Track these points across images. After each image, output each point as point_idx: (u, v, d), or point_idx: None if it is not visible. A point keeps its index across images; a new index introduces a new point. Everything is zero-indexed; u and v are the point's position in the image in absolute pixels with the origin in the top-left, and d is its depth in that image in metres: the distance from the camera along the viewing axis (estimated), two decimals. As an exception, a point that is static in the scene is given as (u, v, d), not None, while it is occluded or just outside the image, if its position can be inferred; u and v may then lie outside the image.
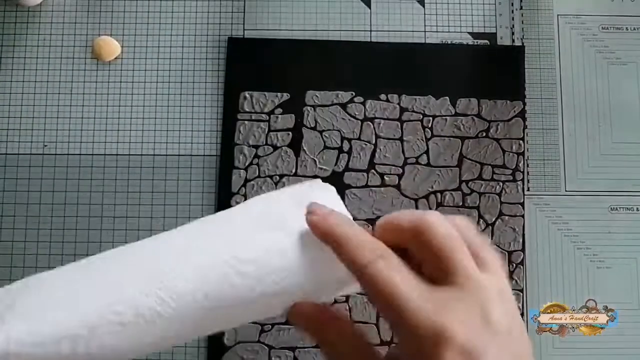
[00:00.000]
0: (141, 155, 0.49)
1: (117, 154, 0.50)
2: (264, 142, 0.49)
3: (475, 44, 0.51)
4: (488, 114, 0.50)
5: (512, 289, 0.47)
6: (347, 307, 0.48)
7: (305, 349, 0.47)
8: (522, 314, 0.48)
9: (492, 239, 0.48)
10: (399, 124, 0.50)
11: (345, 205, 0.31)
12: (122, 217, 0.48)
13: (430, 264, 0.26)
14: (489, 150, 0.50)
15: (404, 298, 0.24)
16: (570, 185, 0.50)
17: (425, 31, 0.52)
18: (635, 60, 0.52)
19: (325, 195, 0.30)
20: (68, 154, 0.50)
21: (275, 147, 0.49)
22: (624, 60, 0.52)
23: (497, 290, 0.25)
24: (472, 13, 0.52)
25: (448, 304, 0.24)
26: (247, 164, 0.49)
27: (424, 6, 0.52)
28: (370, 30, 0.52)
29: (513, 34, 0.52)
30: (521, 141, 0.50)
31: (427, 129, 0.50)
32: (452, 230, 0.26)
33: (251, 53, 0.51)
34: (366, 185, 0.49)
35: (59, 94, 0.50)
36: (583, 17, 0.52)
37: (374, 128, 0.50)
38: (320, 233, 0.27)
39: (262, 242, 0.28)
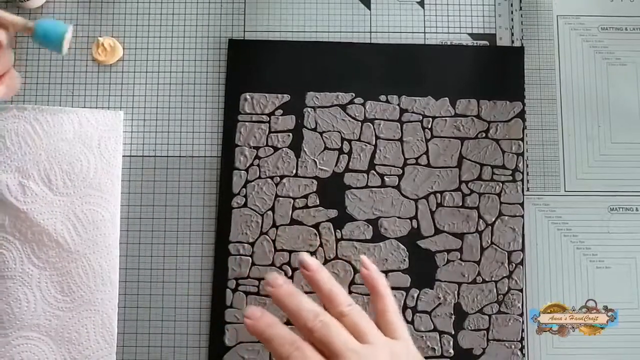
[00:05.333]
0: (142, 156, 0.50)
1: (118, 156, 0.50)
2: (265, 143, 0.50)
3: (475, 44, 0.52)
4: (487, 114, 0.50)
5: (513, 289, 0.48)
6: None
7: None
8: (522, 314, 0.48)
9: (491, 239, 0.49)
10: (398, 125, 0.50)
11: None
12: (124, 219, 0.49)
13: None
14: (488, 150, 0.50)
15: None
16: (570, 186, 0.50)
17: (424, 32, 0.52)
18: (634, 60, 0.52)
19: None
20: (70, 156, 0.50)
21: (275, 148, 0.50)
22: (623, 61, 0.52)
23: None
24: (472, 14, 0.52)
25: None
26: (247, 165, 0.49)
27: (423, 7, 0.52)
28: (370, 32, 0.52)
29: (512, 34, 0.52)
30: (520, 141, 0.50)
31: (426, 130, 0.50)
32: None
33: (252, 55, 0.51)
34: (366, 186, 0.49)
35: (60, 95, 0.50)
36: (582, 17, 0.52)
37: (374, 129, 0.50)
38: (255, 333, 0.37)
39: None
